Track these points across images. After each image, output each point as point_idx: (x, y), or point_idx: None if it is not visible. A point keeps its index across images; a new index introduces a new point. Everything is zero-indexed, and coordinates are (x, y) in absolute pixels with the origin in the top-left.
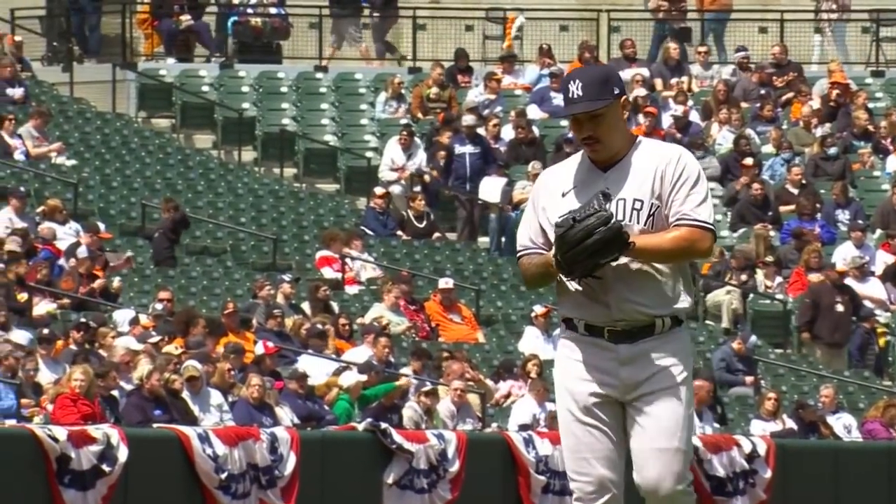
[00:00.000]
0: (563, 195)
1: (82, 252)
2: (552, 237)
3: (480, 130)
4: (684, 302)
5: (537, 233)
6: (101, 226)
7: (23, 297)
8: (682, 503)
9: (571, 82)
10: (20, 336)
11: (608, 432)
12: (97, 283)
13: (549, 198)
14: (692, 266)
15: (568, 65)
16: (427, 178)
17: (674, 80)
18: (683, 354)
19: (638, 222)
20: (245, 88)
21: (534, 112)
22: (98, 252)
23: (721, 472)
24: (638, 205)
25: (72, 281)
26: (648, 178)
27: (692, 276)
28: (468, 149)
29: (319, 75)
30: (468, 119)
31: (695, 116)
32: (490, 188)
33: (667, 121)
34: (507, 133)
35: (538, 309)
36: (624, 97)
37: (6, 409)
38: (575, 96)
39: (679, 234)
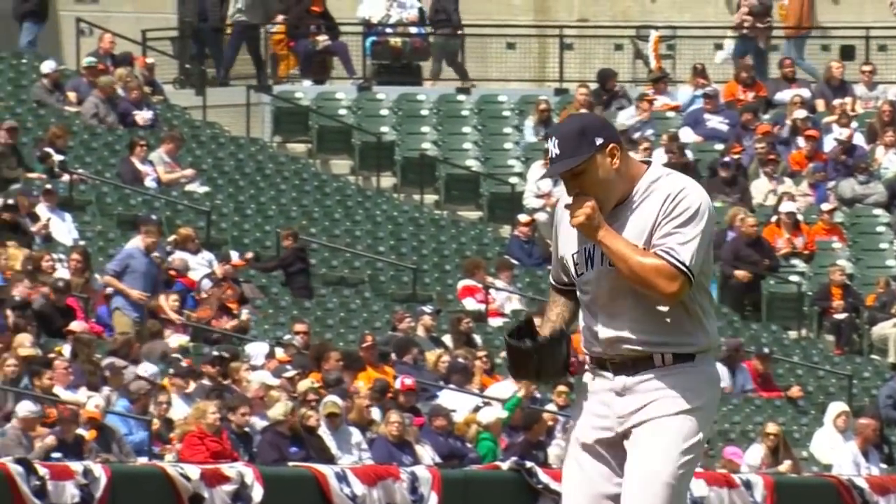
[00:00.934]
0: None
1: (205, 284)
2: (571, 270)
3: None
4: (693, 338)
5: (557, 268)
6: (235, 255)
7: (156, 325)
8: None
9: (549, 140)
10: (147, 368)
11: (603, 472)
12: (231, 322)
13: (565, 230)
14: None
15: (723, 85)
16: None
17: (836, 101)
18: (688, 387)
19: None
20: (384, 111)
21: (687, 135)
22: (232, 282)
23: None
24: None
25: (207, 311)
26: (648, 222)
27: (706, 310)
28: None
29: (461, 97)
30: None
31: (859, 139)
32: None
33: (829, 144)
34: (659, 157)
35: None
36: (611, 145)
37: (136, 445)
38: (553, 155)
39: (650, 261)
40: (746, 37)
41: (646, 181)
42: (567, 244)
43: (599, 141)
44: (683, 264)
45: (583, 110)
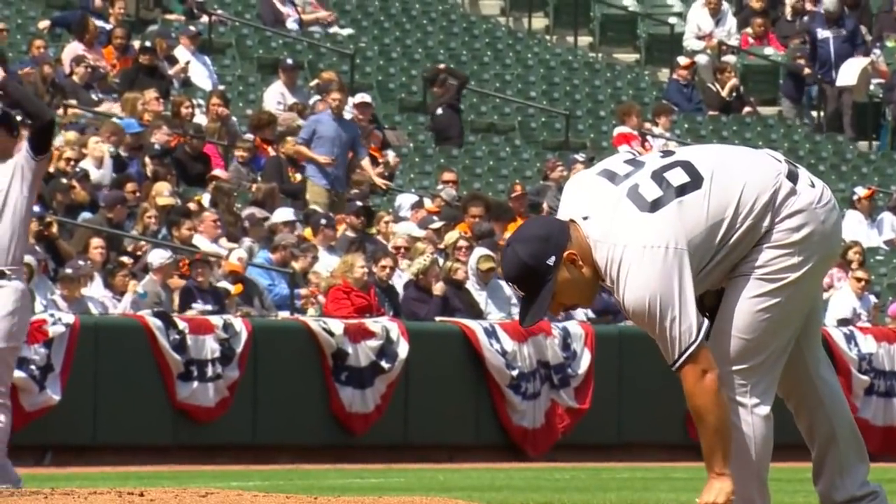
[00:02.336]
0: None
1: None
2: None
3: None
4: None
5: None
6: (367, 98)
7: (296, 177)
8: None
9: (510, 285)
10: (284, 214)
11: None
12: (377, 169)
13: None
14: None
15: None
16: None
17: None
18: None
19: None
20: None
21: None
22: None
23: None
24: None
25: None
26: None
27: None
28: (833, 32)
29: None
30: (827, 3)
31: None
32: (848, 71)
33: None
34: None
35: (860, 191)
36: (567, 253)
37: (279, 299)
38: (519, 297)
39: (704, 404)
40: None
41: (597, 258)
42: None
43: (552, 261)
44: (682, 357)
45: (514, 232)
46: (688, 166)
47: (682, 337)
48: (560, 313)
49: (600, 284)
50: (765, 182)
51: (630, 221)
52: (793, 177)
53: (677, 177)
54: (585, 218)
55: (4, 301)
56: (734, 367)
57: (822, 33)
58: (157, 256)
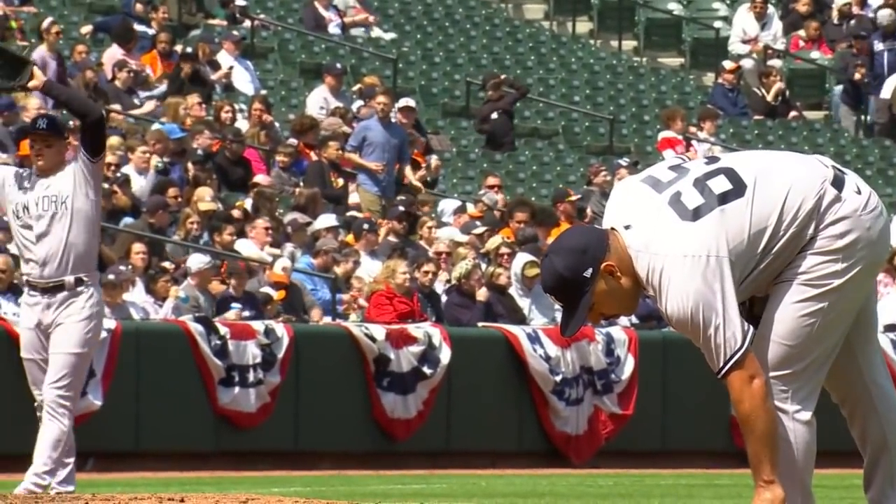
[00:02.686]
0: None
1: None
2: None
3: None
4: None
5: None
6: (411, 103)
7: (338, 182)
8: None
9: (550, 297)
10: (326, 220)
11: None
12: (419, 173)
13: None
14: None
15: None
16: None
17: None
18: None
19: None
20: None
21: None
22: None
23: None
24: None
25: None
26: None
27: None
28: (888, 45)
29: None
30: (885, 15)
31: None
32: (889, 85)
33: None
34: None
35: None
36: (603, 266)
37: (321, 304)
38: (559, 307)
39: (736, 415)
40: None
41: (638, 269)
42: None
43: (589, 272)
44: (730, 362)
45: (552, 244)
46: (731, 173)
47: (728, 344)
48: (601, 322)
49: (643, 293)
50: (809, 189)
51: (671, 231)
52: (838, 183)
53: (720, 184)
54: (627, 227)
55: (81, 307)
56: (776, 373)
57: (878, 46)
58: (196, 261)
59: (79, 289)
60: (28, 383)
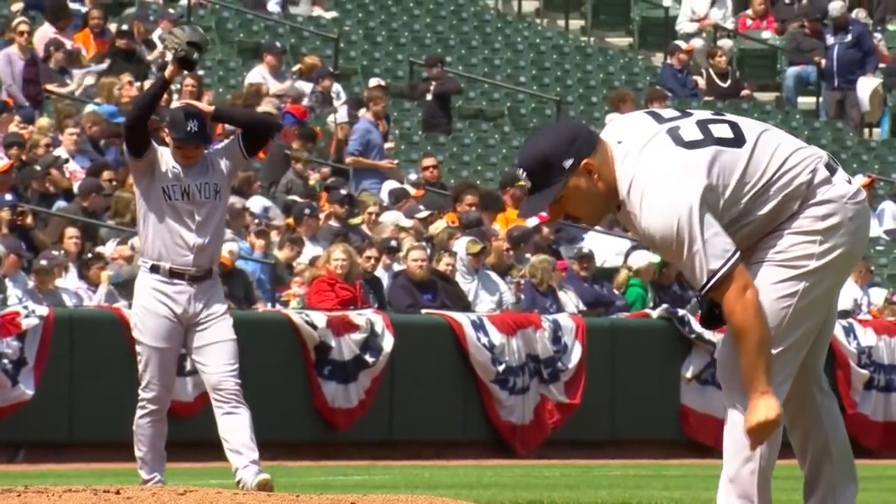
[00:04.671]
0: None
1: (341, 117)
2: None
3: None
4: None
5: None
6: (381, 82)
7: (298, 166)
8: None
9: (519, 171)
10: (258, 203)
11: None
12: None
13: None
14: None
15: None
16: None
17: None
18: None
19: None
20: None
21: None
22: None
23: None
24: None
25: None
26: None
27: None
28: (839, 39)
29: None
30: (836, 7)
31: None
32: (862, 95)
33: None
34: None
35: (860, 179)
36: (585, 162)
37: (262, 293)
38: (528, 187)
39: (729, 327)
40: None
41: (620, 191)
42: None
43: (569, 163)
44: (719, 272)
45: (546, 126)
46: (734, 126)
47: (716, 256)
48: (558, 221)
49: (609, 207)
50: (806, 161)
51: (662, 151)
52: (831, 168)
53: (721, 130)
54: (619, 143)
55: (221, 298)
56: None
57: (829, 39)
58: (112, 246)
59: (209, 281)
60: (145, 373)
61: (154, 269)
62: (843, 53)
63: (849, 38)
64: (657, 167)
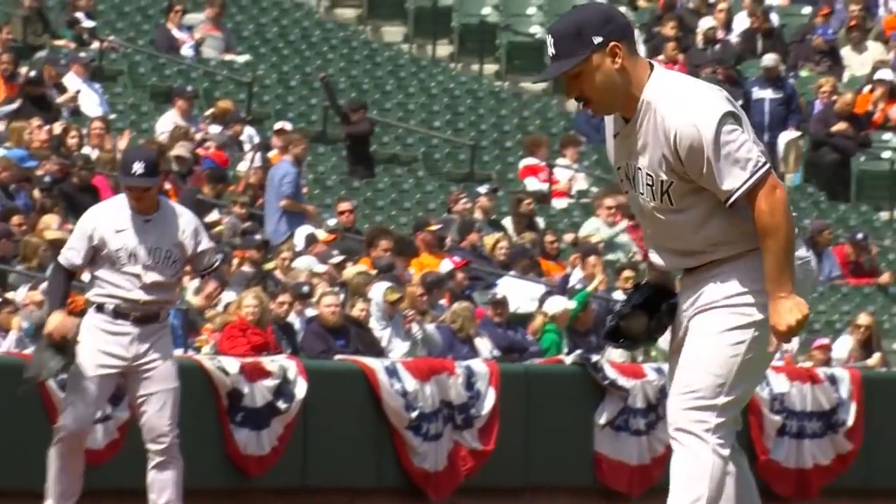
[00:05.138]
0: (613, 137)
1: (256, 161)
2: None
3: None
4: (736, 245)
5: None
6: (289, 126)
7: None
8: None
9: (548, 37)
10: None
11: None
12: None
13: (609, 136)
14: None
15: None
16: None
17: None
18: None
19: (654, 198)
20: None
21: None
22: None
23: None
24: (649, 179)
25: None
26: (658, 153)
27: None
28: (768, 94)
29: None
30: (769, 60)
31: None
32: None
33: None
34: (741, 21)
35: None
36: (612, 43)
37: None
38: (550, 54)
39: (757, 228)
40: None
41: (646, 95)
42: (613, 154)
43: (598, 40)
44: (745, 184)
45: (588, 1)
46: None
47: (757, 158)
48: (573, 99)
49: (621, 102)
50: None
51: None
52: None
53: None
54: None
55: (168, 343)
56: (700, 403)
57: (758, 93)
58: (23, 291)
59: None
60: (67, 398)
61: (99, 308)
62: (773, 109)
63: (780, 94)
64: (690, 81)
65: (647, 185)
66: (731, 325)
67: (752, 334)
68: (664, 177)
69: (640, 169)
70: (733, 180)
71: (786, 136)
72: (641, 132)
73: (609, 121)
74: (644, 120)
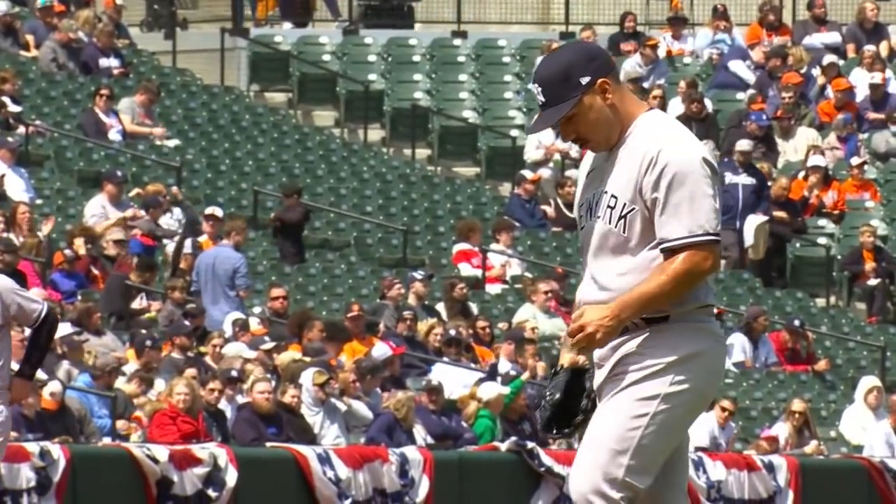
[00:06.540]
0: (586, 175)
1: (187, 247)
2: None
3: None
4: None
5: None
6: (220, 211)
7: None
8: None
9: (534, 86)
10: (111, 340)
11: None
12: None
13: (582, 176)
14: None
15: (745, 28)
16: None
17: (870, 47)
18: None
19: (609, 222)
20: (372, 57)
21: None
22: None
23: None
24: (612, 202)
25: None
26: (631, 176)
27: None
28: (742, 179)
29: (457, 42)
30: (743, 145)
31: (894, 87)
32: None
33: (861, 93)
34: (676, 107)
35: None
36: (600, 80)
37: (101, 427)
38: (539, 102)
39: (676, 267)
40: None
41: (635, 125)
42: (580, 193)
43: (586, 80)
44: (688, 239)
45: (565, 43)
46: None
47: (710, 225)
48: (568, 142)
49: (615, 134)
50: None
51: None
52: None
53: None
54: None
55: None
56: (608, 478)
57: (731, 178)
58: None
59: None
60: None
61: None
62: (748, 197)
63: (754, 181)
64: (683, 126)
65: (609, 206)
66: (638, 397)
67: (657, 407)
68: (626, 200)
69: (605, 192)
70: (679, 228)
71: (754, 221)
72: (620, 158)
73: (588, 157)
74: (625, 146)
